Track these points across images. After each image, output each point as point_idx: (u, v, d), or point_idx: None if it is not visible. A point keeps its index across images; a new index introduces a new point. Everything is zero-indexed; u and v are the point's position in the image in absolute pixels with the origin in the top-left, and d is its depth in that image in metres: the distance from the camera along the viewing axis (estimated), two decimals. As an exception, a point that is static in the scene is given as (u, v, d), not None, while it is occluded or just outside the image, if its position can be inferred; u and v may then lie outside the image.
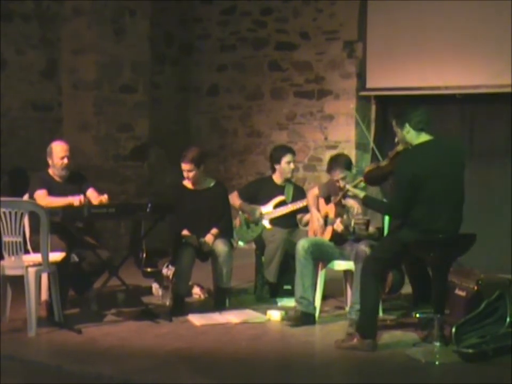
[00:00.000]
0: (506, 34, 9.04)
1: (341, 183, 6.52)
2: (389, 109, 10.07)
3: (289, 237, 7.24)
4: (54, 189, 6.69)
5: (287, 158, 7.47)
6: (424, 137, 5.60)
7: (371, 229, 6.29)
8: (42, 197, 6.52)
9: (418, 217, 5.50)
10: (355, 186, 6.07)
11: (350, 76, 10.21)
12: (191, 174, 7.05)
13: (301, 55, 10.52)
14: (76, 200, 6.43)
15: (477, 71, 9.33)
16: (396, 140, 5.80)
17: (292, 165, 7.49)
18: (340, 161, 6.63)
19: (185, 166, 7.04)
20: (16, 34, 9.38)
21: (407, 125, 5.59)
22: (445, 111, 9.58)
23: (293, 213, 7.46)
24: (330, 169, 6.66)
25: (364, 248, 6.23)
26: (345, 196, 6.26)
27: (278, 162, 7.49)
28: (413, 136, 5.61)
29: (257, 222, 7.49)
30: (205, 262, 7.11)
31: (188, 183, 7.18)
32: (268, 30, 10.74)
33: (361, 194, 5.87)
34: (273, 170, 7.59)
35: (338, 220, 6.37)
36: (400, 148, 5.84)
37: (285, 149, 7.65)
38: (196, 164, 7.02)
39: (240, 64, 10.95)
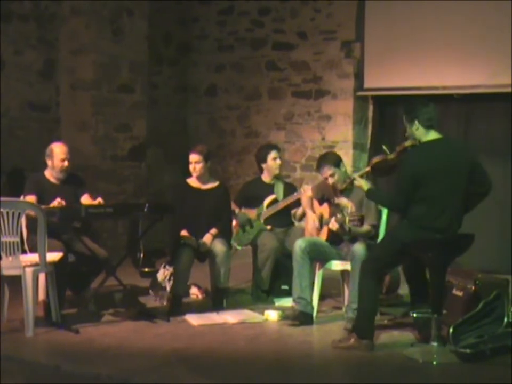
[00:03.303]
0: (505, 34, 9.03)
1: (330, 180, 6.55)
2: (387, 109, 10.08)
3: (282, 242, 7.29)
4: (48, 191, 6.67)
5: (272, 154, 7.53)
6: (433, 135, 5.58)
7: (366, 226, 6.31)
8: None
9: (418, 215, 5.49)
10: (361, 176, 6.04)
11: (347, 76, 10.21)
12: (198, 166, 7.05)
13: (298, 55, 10.53)
14: (56, 203, 6.42)
15: (475, 71, 9.33)
16: (406, 134, 5.77)
17: (278, 161, 7.54)
18: (328, 159, 6.68)
19: (193, 157, 7.06)
20: (15, 35, 9.36)
21: (416, 122, 5.55)
22: (443, 111, 9.55)
23: (287, 210, 7.46)
24: (319, 166, 6.68)
25: (359, 247, 6.24)
26: (351, 185, 6.23)
27: (264, 161, 7.55)
28: (421, 133, 5.57)
29: (243, 225, 7.50)
30: (203, 262, 7.11)
31: (191, 181, 7.18)
32: (265, 30, 10.75)
33: (366, 186, 5.84)
34: (261, 170, 7.65)
35: (333, 219, 6.38)
36: (408, 143, 5.81)
37: (269, 147, 7.75)
38: (204, 157, 7.05)
39: (238, 64, 10.95)
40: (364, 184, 5.88)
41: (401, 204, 5.57)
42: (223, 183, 7.44)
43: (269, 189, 7.60)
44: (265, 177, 7.63)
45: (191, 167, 7.09)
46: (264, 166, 7.57)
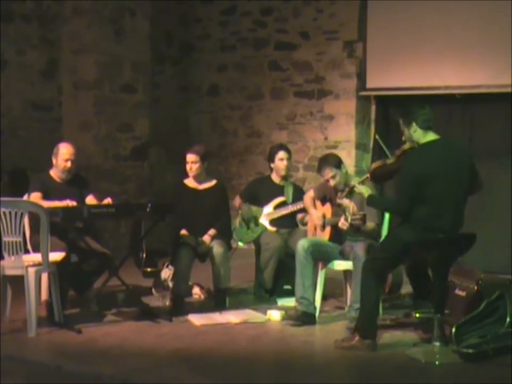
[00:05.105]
0: (506, 34, 9.04)
1: (332, 182, 6.56)
2: (389, 109, 10.08)
3: (285, 242, 7.29)
4: (52, 191, 6.67)
5: (279, 155, 7.54)
6: (431, 136, 5.58)
7: (369, 224, 6.30)
8: (36, 200, 6.49)
9: (420, 216, 5.47)
10: (361, 183, 6.03)
11: (350, 76, 10.22)
12: (194, 166, 7.05)
13: (301, 55, 10.53)
14: (66, 204, 6.42)
15: (476, 71, 9.34)
16: (403, 138, 5.75)
17: (284, 162, 7.54)
18: (328, 160, 6.70)
19: (190, 157, 7.06)
20: (17, 35, 9.38)
21: (414, 124, 5.55)
22: (445, 111, 9.58)
23: (293, 213, 7.47)
24: (320, 168, 6.70)
25: (362, 247, 6.24)
26: (351, 192, 6.22)
27: (272, 160, 7.57)
28: (419, 134, 5.57)
29: (248, 221, 7.50)
30: (203, 262, 7.11)
31: (188, 182, 7.18)
32: (268, 30, 10.76)
33: (367, 193, 5.81)
34: (271, 169, 7.66)
35: (342, 218, 6.34)
36: (407, 146, 5.77)
37: (278, 147, 7.75)
38: (201, 157, 7.05)
39: (240, 64, 10.96)
40: (364, 191, 5.84)
41: (405, 207, 5.54)
42: (220, 181, 7.41)
43: (279, 190, 7.60)
44: (275, 178, 7.64)
45: (187, 166, 7.09)
46: (272, 165, 7.60)
